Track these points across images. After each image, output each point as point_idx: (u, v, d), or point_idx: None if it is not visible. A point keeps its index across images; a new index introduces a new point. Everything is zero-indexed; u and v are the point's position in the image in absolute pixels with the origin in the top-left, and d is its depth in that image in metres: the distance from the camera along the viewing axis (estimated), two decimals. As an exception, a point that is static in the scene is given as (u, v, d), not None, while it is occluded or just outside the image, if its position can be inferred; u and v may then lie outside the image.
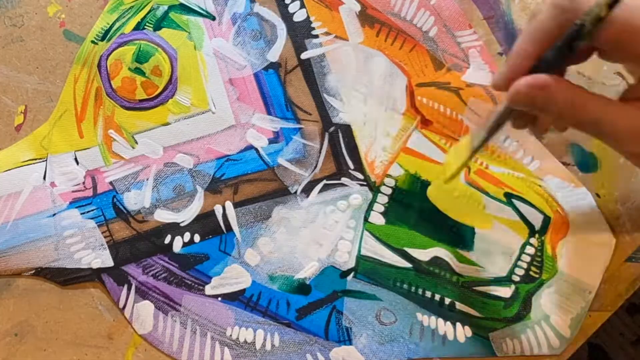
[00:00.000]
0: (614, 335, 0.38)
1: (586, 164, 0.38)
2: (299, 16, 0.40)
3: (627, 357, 0.38)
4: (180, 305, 0.38)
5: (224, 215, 0.38)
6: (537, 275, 0.37)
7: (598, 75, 0.38)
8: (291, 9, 0.40)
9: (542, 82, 0.27)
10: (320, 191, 0.38)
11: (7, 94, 0.39)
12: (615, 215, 0.37)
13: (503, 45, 0.39)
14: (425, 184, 0.38)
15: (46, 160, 0.38)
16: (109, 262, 0.38)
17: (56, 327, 0.38)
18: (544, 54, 0.27)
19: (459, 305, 0.37)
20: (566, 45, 0.27)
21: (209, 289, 0.38)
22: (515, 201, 0.38)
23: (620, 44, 0.27)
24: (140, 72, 0.39)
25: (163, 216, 0.38)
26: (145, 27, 0.39)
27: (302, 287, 0.38)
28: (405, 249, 0.38)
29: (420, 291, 0.37)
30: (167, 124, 0.39)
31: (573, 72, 0.38)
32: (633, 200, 0.37)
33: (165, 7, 0.39)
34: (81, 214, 0.38)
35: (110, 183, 0.38)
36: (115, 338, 0.37)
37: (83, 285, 0.38)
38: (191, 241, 0.38)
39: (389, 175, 0.38)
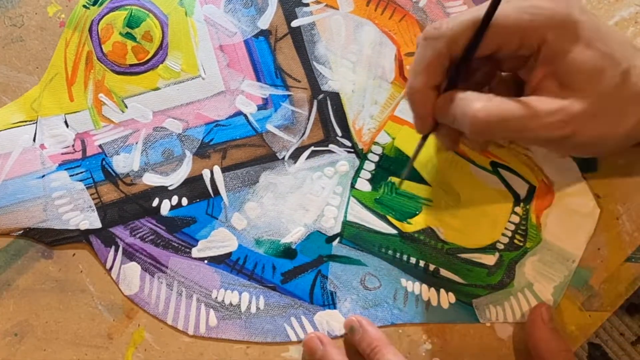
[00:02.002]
0: (614, 335, 0.39)
1: (585, 163, 0.38)
2: (290, -16, 0.40)
3: (627, 357, 0.38)
4: (166, 268, 0.38)
5: (212, 179, 0.39)
6: (521, 244, 0.37)
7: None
8: (282, -23, 0.40)
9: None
10: (308, 157, 0.39)
11: (7, 94, 0.39)
12: (615, 215, 0.37)
13: None
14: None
15: (36, 123, 0.39)
16: (97, 224, 0.38)
17: (56, 327, 0.38)
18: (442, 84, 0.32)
19: (443, 272, 0.37)
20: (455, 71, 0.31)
21: (195, 252, 0.38)
22: (501, 170, 0.38)
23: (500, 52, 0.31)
24: (131, 37, 0.39)
25: (151, 179, 0.38)
26: (137, -8, 0.40)
27: (288, 252, 0.38)
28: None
29: (405, 257, 0.38)
30: (157, 88, 0.39)
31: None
32: (633, 200, 0.37)
33: (157, -27, 0.40)
34: (70, 176, 0.38)
35: (100, 146, 0.39)
36: (115, 338, 0.38)
37: (83, 285, 0.38)
38: (179, 204, 0.38)
39: (376, 143, 0.39)
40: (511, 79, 0.34)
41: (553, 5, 0.29)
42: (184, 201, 0.38)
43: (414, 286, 0.37)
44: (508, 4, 0.30)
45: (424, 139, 0.34)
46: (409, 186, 0.38)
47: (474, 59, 0.31)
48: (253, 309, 0.37)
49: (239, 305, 0.37)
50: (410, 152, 0.38)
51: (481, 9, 0.30)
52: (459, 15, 0.31)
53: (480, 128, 0.29)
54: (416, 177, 0.38)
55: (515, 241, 0.37)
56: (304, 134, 0.39)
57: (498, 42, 0.30)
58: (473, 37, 0.30)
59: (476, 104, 0.29)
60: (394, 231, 0.38)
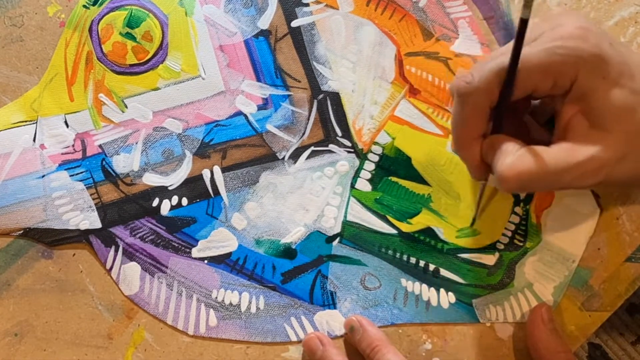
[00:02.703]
0: (614, 335, 0.39)
1: None
2: (290, -16, 0.40)
3: (627, 357, 0.38)
4: (166, 268, 0.38)
5: (212, 179, 0.39)
6: (521, 244, 0.37)
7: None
8: (282, -23, 0.40)
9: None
10: (308, 157, 0.39)
11: (7, 93, 0.39)
12: (615, 215, 0.37)
13: (503, 45, 0.39)
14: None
15: (36, 123, 0.39)
16: (97, 224, 0.38)
17: (56, 327, 0.38)
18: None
19: (443, 272, 0.37)
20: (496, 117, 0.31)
21: (195, 252, 0.38)
22: (501, 170, 0.38)
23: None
24: (131, 37, 0.39)
25: (151, 179, 0.38)
26: (137, -8, 0.40)
27: (288, 252, 0.38)
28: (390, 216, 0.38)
29: (405, 257, 0.38)
30: (157, 88, 0.39)
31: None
32: (633, 200, 0.37)
33: (157, -27, 0.40)
34: (70, 176, 0.38)
35: (100, 146, 0.39)
36: (115, 338, 0.38)
37: (83, 285, 0.38)
38: (179, 204, 0.38)
39: (376, 143, 0.39)
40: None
41: (583, 44, 0.29)
42: (184, 201, 0.38)
43: (414, 286, 0.37)
44: (538, 46, 0.29)
45: (484, 184, 0.35)
46: (409, 186, 0.38)
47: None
48: (253, 309, 0.37)
49: (239, 305, 0.37)
50: (410, 152, 0.38)
51: (506, 53, 0.29)
52: (486, 63, 0.30)
53: (510, 186, 0.29)
54: (416, 177, 0.38)
55: (515, 241, 0.37)
56: (304, 134, 0.39)
57: (532, 84, 0.30)
58: (504, 85, 0.30)
59: (504, 162, 0.29)
60: (394, 231, 0.38)
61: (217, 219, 0.38)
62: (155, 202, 0.38)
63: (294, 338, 0.37)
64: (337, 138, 0.39)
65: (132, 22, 0.39)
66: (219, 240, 0.38)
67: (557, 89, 0.30)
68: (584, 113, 0.30)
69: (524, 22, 0.28)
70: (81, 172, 0.39)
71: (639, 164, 0.30)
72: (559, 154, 0.29)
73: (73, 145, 0.39)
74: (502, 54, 0.30)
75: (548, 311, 0.36)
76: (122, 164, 0.39)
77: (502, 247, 0.37)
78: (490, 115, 0.31)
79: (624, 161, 0.29)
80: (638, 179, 0.30)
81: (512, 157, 0.29)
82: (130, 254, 0.38)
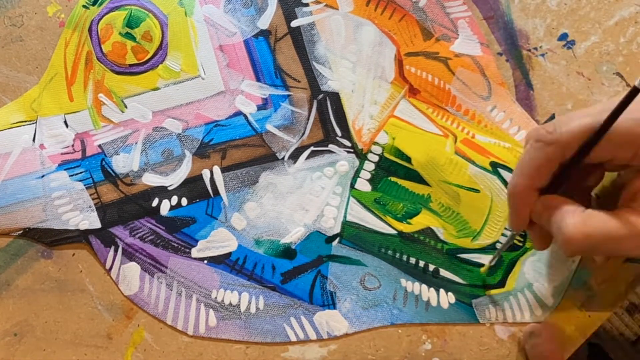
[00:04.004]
0: (614, 335, 0.39)
1: None
2: (290, -16, 0.40)
3: (627, 357, 0.38)
4: (166, 268, 0.38)
5: (212, 179, 0.38)
6: (521, 244, 0.37)
7: (597, 75, 0.38)
8: (282, -23, 0.40)
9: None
10: (308, 157, 0.39)
11: (7, 93, 0.39)
12: None
13: (503, 45, 0.39)
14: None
15: (36, 123, 0.39)
16: (97, 224, 0.38)
17: (55, 327, 0.38)
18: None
19: (442, 272, 0.37)
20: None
21: (195, 252, 0.38)
22: (501, 170, 0.38)
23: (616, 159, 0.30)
24: (131, 37, 0.39)
25: (151, 179, 0.38)
26: (137, -8, 0.40)
27: (288, 252, 0.38)
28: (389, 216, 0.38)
29: (404, 257, 0.38)
30: (157, 88, 0.39)
31: (573, 72, 0.38)
32: None
33: (157, -27, 0.40)
34: (70, 176, 0.38)
35: (99, 146, 0.39)
36: (114, 338, 0.38)
37: (82, 285, 0.38)
38: (178, 204, 0.38)
39: (376, 143, 0.39)
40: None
41: None
42: (184, 201, 0.38)
43: (414, 286, 0.37)
44: (626, 114, 0.28)
45: (514, 235, 0.35)
46: (409, 186, 0.38)
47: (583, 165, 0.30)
48: (253, 309, 0.37)
49: (239, 305, 0.37)
50: (409, 152, 0.38)
51: (597, 114, 0.29)
52: (573, 119, 0.30)
53: (573, 248, 0.29)
54: (416, 177, 0.38)
55: (515, 241, 0.37)
56: (303, 134, 0.39)
57: (612, 152, 0.29)
58: (586, 144, 0.29)
59: (570, 222, 0.28)
60: (394, 231, 0.38)
61: (217, 219, 0.38)
62: (154, 202, 0.38)
63: (293, 338, 0.37)
64: (337, 138, 0.39)
65: (131, 22, 0.39)
66: (218, 241, 0.38)
67: (635, 161, 0.29)
68: None
69: (635, 91, 0.27)
70: (81, 172, 0.38)
71: None
72: (625, 221, 0.28)
73: (72, 145, 0.39)
74: (589, 115, 0.29)
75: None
76: (121, 164, 0.39)
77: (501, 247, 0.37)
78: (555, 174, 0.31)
79: None
80: None
81: (580, 217, 0.28)
82: (129, 254, 0.38)
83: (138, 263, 0.38)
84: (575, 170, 0.30)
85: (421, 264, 0.38)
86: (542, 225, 0.31)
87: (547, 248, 0.34)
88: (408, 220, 0.38)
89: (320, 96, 0.39)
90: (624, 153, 0.29)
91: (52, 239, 0.38)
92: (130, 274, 0.38)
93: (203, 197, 0.38)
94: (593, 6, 0.39)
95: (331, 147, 0.39)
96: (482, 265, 0.37)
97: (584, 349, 0.38)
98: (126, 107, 0.39)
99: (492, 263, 0.37)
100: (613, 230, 0.28)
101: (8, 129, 0.39)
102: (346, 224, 0.38)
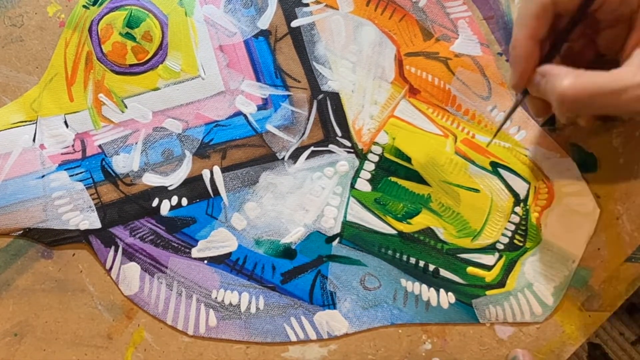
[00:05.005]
0: (614, 335, 0.39)
1: (585, 164, 0.38)
2: (290, -16, 0.40)
3: (627, 357, 0.38)
4: (166, 268, 0.38)
5: (212, 179, 0.39)
6: (521, 244, 0.37)
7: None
8: (282, -23, 0.40)
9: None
10: (308, 158, 0.39)
11: (7, 93, 0.39)
12: (615, 215, 0.37)
13: (503, 45, 0.39)
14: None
15: (36, 123, 0.39)
16: (97, 224, 0.38)
17: (56, 327, 0.38)
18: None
19: (443, 272, 0.37)
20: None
21: (195, 252, 0.38)
22: (501, 170, 0.38)
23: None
24: (131, 37, 0.39)
25: (151, 180, 0.38)
26: (137, -8, 0.40)
27: (288, 252, 0.38)
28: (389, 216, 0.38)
29: (404, 257, 0.38)
30: (157, 89, 0.39)
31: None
32: (633, 200, 0.37)
33: (157, -27, 0.40)
34: (70, 176, 0.38)
35: (100, 146, 0.39)
36: (114, 338, 0.38)
37: (83, 285, 0.38)
38: (179, 204, 0.38)
39: (376, 143, 0.39)
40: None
41: None
42: (184, 201, 0.38)
43: (414, 286, 0.37)
44: None
45: (521, 99, 0.34)
46: (409, 186, 0.38)
47: (573, 34, 0.31)
48: (253, 309, 0.37)
49: (239, 305, 0.37)
50: (410, 152, 0.38)
51: None
52: None
53: (568, 105, 0.29)
54: (416, 177, 0.38)
55: (515, 241, 0.37)
56: (303, 134, 0.39)
57: None
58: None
59: (565, 80, 0.29)
60: (394, 231, 0.38)
61: (217, 219, 0.38)
62: (155, 202, 0.38)
63: (293, 338, 0.37)
64: (337, 138, 0.39)
65: (131, 22, 0.39)
66: (218, 241, 0.38)
67: (623, 7, 0.30)
68: None
69: None
70: (81, 172, 0.38)
71: None
72: (618, 75, 0.29)
73: (73, 146, 0.39)
74: None
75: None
76: (121, 164, 0.39)
77: (502, 247, 0.37)
78: (553, 32, 0.31)
79: None
80: None
81: (571, 78, 0.29)
82: (130, 254, 0.38)
83: (138, 263, 0.38)
84: (570, 30, 0.31)
85: (421, 264, 0.38)
86: (539, 95, 0.32)
87: (546, 115, 0.35)
88: (408, 220, 0.38)
89: (321, 96, 0.39)
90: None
91: (52, 239, 0.38)
92: (130, 274, 0.38)
93: (203, 197, 0.38)
94: (593, 6, 0.39)
95: (331, 147, 0.39)
96: (482, 265, 0.37)
97: (583, 348, 0.38)
98: (126, 107, 0.39)
99: (496, 134, 0.36)
100: (607, 82, 0.28)
101: (8, 129, 0.39)
102: (346, 224, 0.38)
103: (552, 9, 0.31)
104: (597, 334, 0.38)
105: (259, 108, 0.39)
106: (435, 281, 0.37)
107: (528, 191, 0.38)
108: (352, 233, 0.38)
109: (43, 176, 0.38)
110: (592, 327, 0.37)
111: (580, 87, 0.29)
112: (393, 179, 0.38)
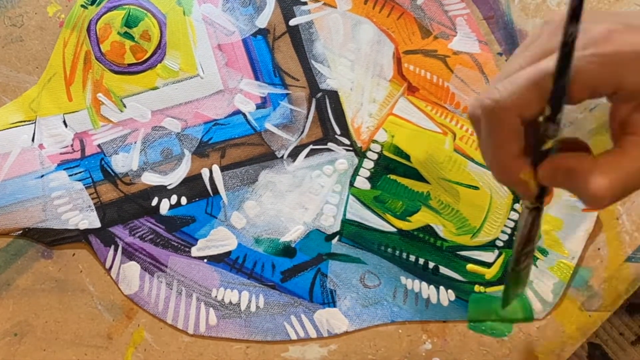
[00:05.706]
0: (614, 335, 0.39)
1: None
2: (288, -17, 0.40)
3: (627, 357, 0.38)
4: (166, 267, 0.38)
5: (211, 178, 0.39)
6: (520, 241, 0.37)
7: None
8: (280, -25, 0.40)
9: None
10: (307, 156, 0.39)
11: (7, 93, 0.39)
12: (615, 215, 0.37)
13: (503, 45, 0.39)
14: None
15: (35, 123, 0.39)
16: (96, 224, 0.38)
17: (56, 327, 0.38)
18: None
19: (442, 269, 0.37)
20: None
21: (194, 251, 0.38)
22: (500, 167, 0.38)
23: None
24: (130, 37, 0.39)
25: (150, 179, 0.38)
26: (135, -8, 0.40)
27: (288, 250, 0.38)
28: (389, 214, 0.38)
29: (404, 255, 0.38)
30: (156, 88, 0.39)
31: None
32: (633, 200, 0.37)
33: (155, -27, 0.40)
34: (69, 175, 0.38)
35: (99, 146, 0.39)
36: (114, 338, 0.38)
37: (83, 285, 0.38)
38: (178, 203, 0.38)
39: (375, 141, 0.39)
40: None
41: (619, 47, 0.25)
42: (183, 200, 0.38)
43: (414, 284, 0.37)
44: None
45: (538, 206, 0.28)
46: (408, 184, 0.38)
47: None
48: (253, 308, 0.37)
49: (239, 304, 0.37)
50: (409, 150, 0.38)
51: (537, 64, 0.25)
52: (515, 75, 0.25)
53: (607, 202, 0.26)
54: (415, 175, 0.38)
55: (515, 238, 0.37)
56: (302, 132, 0.39)
57: (586, 93, 0.25)
58: (554, 90, 0.24)
59: (598, 180, 0.25)
60: (393, 229, 0.38)
61: (217, 217, 0.38)
62: (154, 202, 0.38)
63: (293, 336, 0.37)
64: (336, 136, 0.39)
65: (130, 22, 0.39)
66: (218, 239, 0.38)
67: (595, 96, 0.26)
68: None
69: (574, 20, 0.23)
70: (80, 172, 0.39)
71: None
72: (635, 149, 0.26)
73: (72, 145, 0.39)
74: (530, 64, 0.25)
75: None
76: (121, 163, 0.39)
77: (501, 244, 0.37)
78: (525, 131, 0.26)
79: None
80: None
81: (602, 174, 0.26)
82: (129, 254, 0.38)
83: (138, 262, 0.38)
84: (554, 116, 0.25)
85: (421, 261, 0.38)
86: (554, 187, 0.28)
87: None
88: (407, 217, 0.38)
89: (319, 94, 0.39)
90: (580, 94, 0.25)
91: (51, 239, 0.38)
92: (130, 274, 0.38)
93: (202, 196, 0.38)
94: (593, 6, 0.39)
95: (330, 145, 0.39)
96: (482, 262, 0.37)
97: (583, 348, 0.38)
98: (125, 106, 0.39)
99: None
100: (635, 166, 0.26)
101: (7, 129, 0.39)
102: (346, 222, 0.38)
103: (521, 125, 0.26)
104: (597, 334, 0.38)
105: (258, 107, 0.39)
106: (435, 279, 0.37)
107: (527, 188, 0.38)
108: (351, 231, 0.38)
109: (42, 176, 0.38)
110: (592, 327, 0.37)
111: (616, 183, 0.26)
112: (392, 176, 0.38)
